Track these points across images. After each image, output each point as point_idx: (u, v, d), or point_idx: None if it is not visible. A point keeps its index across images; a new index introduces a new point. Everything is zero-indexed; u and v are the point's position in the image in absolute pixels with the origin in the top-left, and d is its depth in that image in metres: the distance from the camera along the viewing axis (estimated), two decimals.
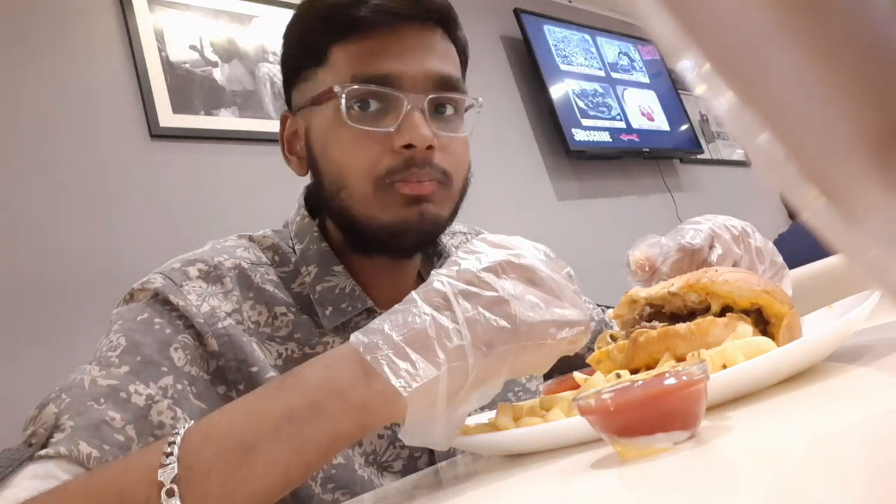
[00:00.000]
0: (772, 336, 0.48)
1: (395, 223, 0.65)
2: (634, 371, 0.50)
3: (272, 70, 1.94)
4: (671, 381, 0.34)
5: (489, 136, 2.42)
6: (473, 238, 0.54)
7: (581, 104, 2.78)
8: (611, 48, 3.17)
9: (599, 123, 2.80)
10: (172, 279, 0.62)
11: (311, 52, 0.68)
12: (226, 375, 0.61)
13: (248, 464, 0.43)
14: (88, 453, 0.49)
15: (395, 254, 0.70)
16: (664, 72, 3.31)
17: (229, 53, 1.89)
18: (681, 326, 0.49)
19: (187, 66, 1.78)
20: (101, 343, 0.59)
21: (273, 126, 1.82)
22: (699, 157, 3.28)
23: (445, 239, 0.82)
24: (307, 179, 0.74)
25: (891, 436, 0.27)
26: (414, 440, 0.46)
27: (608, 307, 0.89)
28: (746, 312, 0.50)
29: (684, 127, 3.24)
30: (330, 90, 0.65)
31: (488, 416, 0.57)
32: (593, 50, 3.06)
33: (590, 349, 0.64)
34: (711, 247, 0.67)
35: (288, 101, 0.74)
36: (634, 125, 2.97)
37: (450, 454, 0.68)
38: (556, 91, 2.70)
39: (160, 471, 0.42)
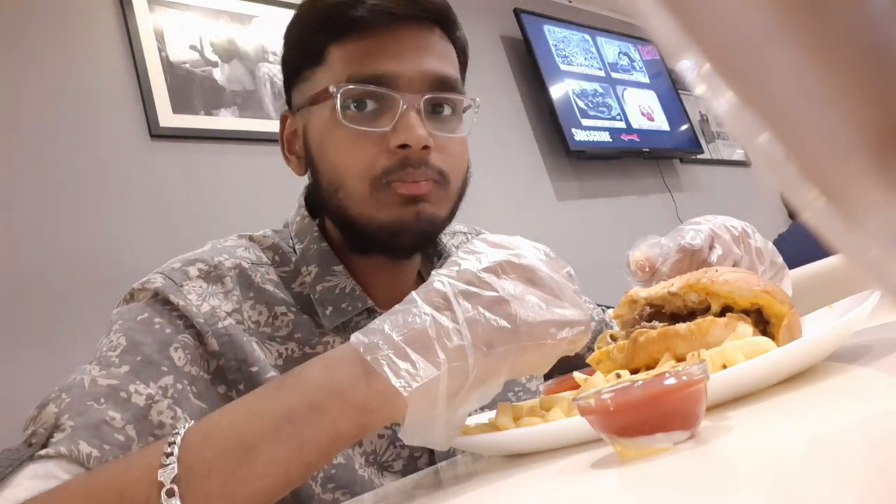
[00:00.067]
0: (772, 336, 0.48)
1: (392, 223, 0.65)
2: (634, 371, 0.50)
3: (272, 70, 1.94)
4: (671, 381, 0.34)
5: (489, 136, 2.42)
6: (473, 238, 0.54)
7: (581, 104, 2.78)
8: (611, 48, 3.17)
9: (599, 123, 2.80)
10: (173, 279, 0.62)
11: (310, 51, 0.68)
12: (226, 375, 0.61)
13: (249, 464, 0.43)
14: (88, 453, 0.49)
15: (393, 254, 0.70)
16: (664, 72, 3.31)
17: (229, 53, 1.89)
18: (681, 326, 0.49)
19: (187, 66, 1.78)
20: (101, 343, 0.59)
21: (273, 126, 1.82)
22: (699, 157, 3.28)
23: (446, 239, 0.82)
24: (307, 179, 0.74)
25: (891, 436, 0.27)
26: (414, 440, 0.46)
27: (608, 307, 0.89)
28: (746, 312, 0.50)
29: (684, 127, 3.24)
30: (326, 90, 0.65)
31: (488, 416, 0.57)
32: (593, 50, 3.06)
33: (590, 349, 0.64)
34: (711, 247, 0.67)
35: (288, 101, 0.75)
36: (634, 125, 2.97)
37: (450, 454, 0.68)
38: (556, 91, 2.70)
39: (160, 471, 0.42)
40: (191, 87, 1.77)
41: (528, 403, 0.54)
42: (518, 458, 0.48)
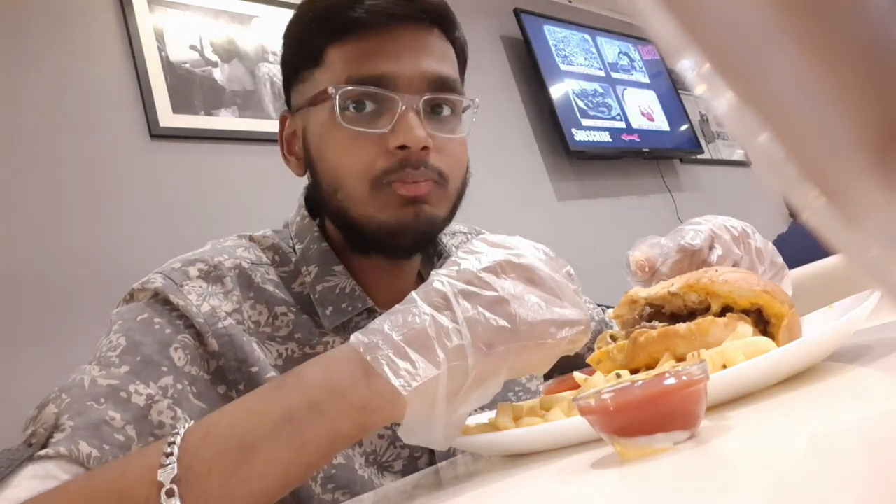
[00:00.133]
0: (772, 336, 0.48)
1: (392, 223, 0.65)
2: (634, 371, 0.50)
3: (272, 70, 1.94)
4: (671, 381, 0.34)
5: (489, 136, 2.42)
6: (473, 238, 0.54)
7: (581, 104, 2.78)
8: (611, 48, 3.17)
9: (599, 123, 2.80)
10: (172, 279, 0.62)
11: (309, 52, 0.68)
12: (226, 375, 0.61)
13: (248, 464, 0.43)
14: (88, 453, 0.49)
15: (393, 254, 0.70)
16: (664, 72, 3.31)
17: (229, 53, 1.89)
18: (681, 326, 0.49)
19: (187, 66, 1.78)
20: (101, 343, 0.59)
21: (273, 126, 1.82)
22: (699, 157, 3.28)
23: (445, 239, 0.82)
24: (307, 179, 0.74)
25: (891, 436, 0.27)
26: (413, 439, 0.46)
27: (608, 307, 0.89)
28: (746, 312, 0.50)
29: (684, 127, 3.24)
30: (325, 91, 0.65)
31: (488, 416, 0.57)
32: (593, 50, 3.06)
33: (590, 349, 0.64)
34: (711, 247, 0.67)
35: (287, 102, 0.75)
36: (634, 125, 2.97)
37: (450, 454, 0.68)
38: (556, 91, 2.70)
39: (160, 471, 0.42)
40: (191, 87, 1.77)
41: (528, 403, 0.54)
42: (518, 458, 0.48)
